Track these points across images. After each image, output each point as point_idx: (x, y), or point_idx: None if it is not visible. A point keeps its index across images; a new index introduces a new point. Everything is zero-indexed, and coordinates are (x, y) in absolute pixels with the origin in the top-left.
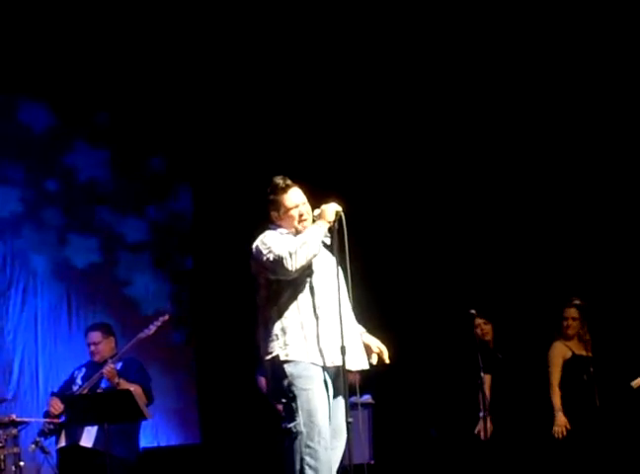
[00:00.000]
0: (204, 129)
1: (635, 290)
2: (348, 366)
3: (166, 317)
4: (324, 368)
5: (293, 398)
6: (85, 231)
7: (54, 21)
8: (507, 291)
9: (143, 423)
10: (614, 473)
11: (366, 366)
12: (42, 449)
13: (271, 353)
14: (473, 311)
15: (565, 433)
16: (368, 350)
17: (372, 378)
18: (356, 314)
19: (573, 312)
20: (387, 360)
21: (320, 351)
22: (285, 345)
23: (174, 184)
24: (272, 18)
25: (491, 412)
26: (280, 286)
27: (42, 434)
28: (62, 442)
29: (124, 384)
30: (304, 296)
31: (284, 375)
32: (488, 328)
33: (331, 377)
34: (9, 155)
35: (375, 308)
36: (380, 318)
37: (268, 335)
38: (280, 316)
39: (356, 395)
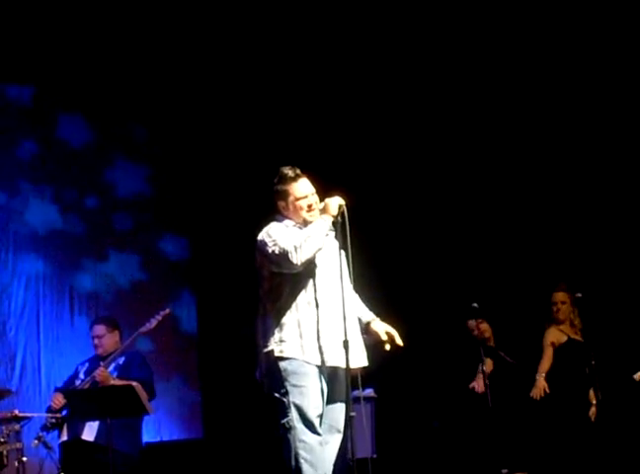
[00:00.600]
0: (209, 123)
1: (634, 283)
2: (353, 364)
3: (167, 311)
4: (320, 367)
5: (286, 393)
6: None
7: (90, 37)
8: (504, 285)
9: (146, 418)
10: (615, 465)
11: (365, 364)
12: (45, 445)
13: (266, 347)
14: (475, 305)
15: (543, 394)
16: (377, 338)
17: (374, 372)
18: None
19: (561, 296)
20: (400, 343)
21: (319, 349)
22: (281, 341)
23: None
24: (277, 17)
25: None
26: (283, 280)
27: (45, 428)
28: (64, 436)
29: (119, 383)
30: (305, 293)
31: (279, 371)
32: (484, 326)
33: (326, 375)
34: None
35: (377, 302)
36: (382, 312)
37: (265, 329)
38: (278, 311)
39: (358, 389)
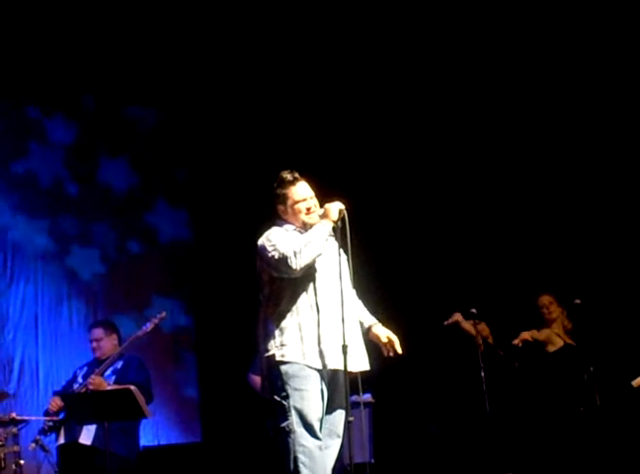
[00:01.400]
0: (210, 125)
1: (631, 289)
2: (348, 367)
3: (163, 314)
4: (320, 371)
5: (286, 397)
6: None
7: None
8: (502, 290)
9: (144, 421)
10: (614, 470)
11: (367, 367)
12: (43, 448)
13: (268, 351)
14: (474, 310)
15: (523, 339)
16: (378, 341)
17: (372, 377)
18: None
19: (547, 298)
20: (399, 350)
21: (320, 353)
22: (282, 345)
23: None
24: (277, 18)
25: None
26: (283, 285)
27: (42, 431)
28: (61, 439)
29: (116, 388)
30: (305, 296)
31: (279, 375)
32: (482, 326)
33: (327, 379)
34: None
35: (376, 306)
36: (380, 316)
37: (266, 333)
38: (279, 315)
39: (358, 393)
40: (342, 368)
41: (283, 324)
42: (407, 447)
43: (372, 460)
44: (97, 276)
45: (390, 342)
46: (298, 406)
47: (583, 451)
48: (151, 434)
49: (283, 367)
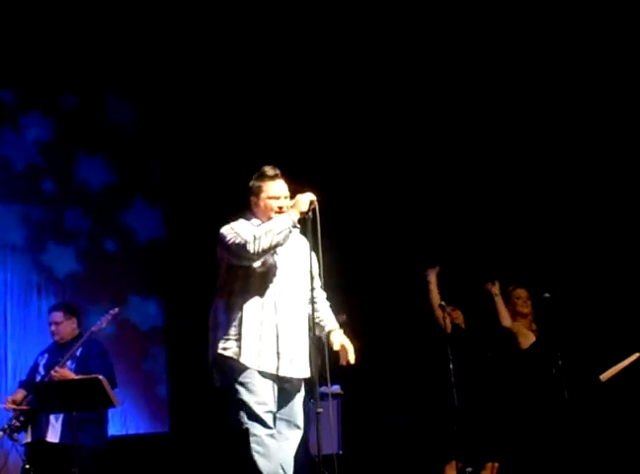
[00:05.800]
0: (184, 119)
1: (601, 285)
2: (289, 374)
3: (115, 310)
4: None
5: (233, 390)
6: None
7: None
8: (472, 284)
9: (112, 410)
10: (585, 465)
11: (307, 375)
12: (10, 437)
13: (215, 342)
14: (443, 303)
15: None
16: (333, 348)
17: (341, 369)
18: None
19: (526, 292)
20: (352, 360)
21: (258, 353)
22: (226, 338)
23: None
24: (253, 14)
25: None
26: (237, 277)
27: (9, 429)
28: (28, 438)
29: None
30: (255, 293)
31: (224, 367)
32: (457, 313)
33: (274, 379)
34: None
35: (345, 300)
36: (350, 309)
37: (215, 323)
38: (228, 307)
39: (325, 385)
40: (275, 372)
41: (230, 317)
42: (375, 439)
43: (340, 451)
44: (69, 268)
45: (343, 350)
46: (245, 399)
47: (552, 445)
48: (119, 423)
49: (227, 361)
